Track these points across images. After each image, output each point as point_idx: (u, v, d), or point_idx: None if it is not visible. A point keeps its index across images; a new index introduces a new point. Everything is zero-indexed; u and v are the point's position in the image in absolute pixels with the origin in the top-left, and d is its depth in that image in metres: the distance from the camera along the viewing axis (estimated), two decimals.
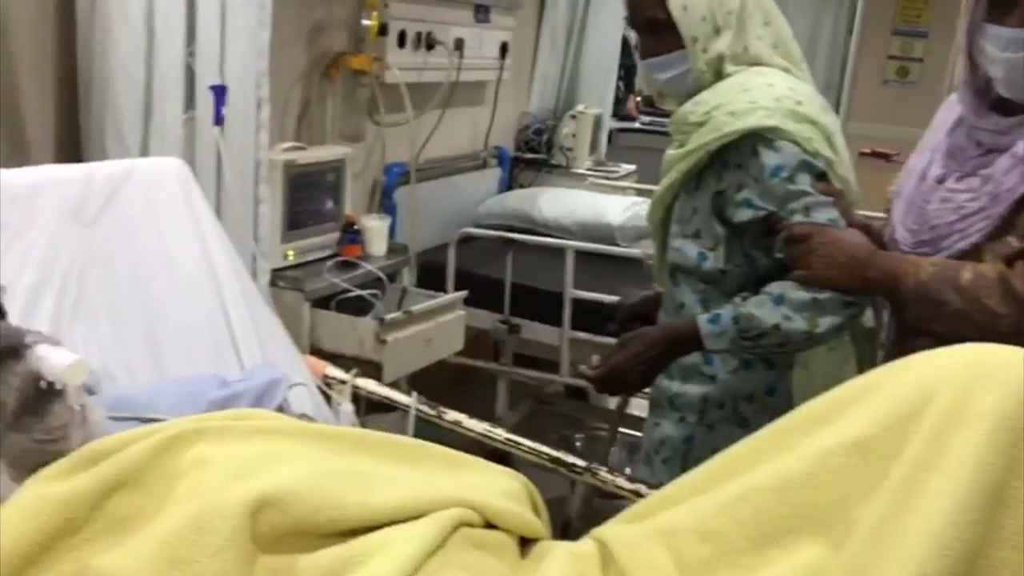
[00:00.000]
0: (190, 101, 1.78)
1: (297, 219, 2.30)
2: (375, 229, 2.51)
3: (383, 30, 2.63)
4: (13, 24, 1.76)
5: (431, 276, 2.80)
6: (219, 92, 1.76)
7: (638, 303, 1.62)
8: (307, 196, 2.34)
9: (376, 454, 0.97)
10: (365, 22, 2.60)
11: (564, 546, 0.95)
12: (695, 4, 1.39)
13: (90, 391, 1.17)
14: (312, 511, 0.86)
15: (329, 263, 2.34)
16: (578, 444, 3.07)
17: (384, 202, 2.90)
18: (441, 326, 2.36)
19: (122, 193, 1.37)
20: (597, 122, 3.76)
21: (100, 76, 1.74)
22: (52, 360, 0.87)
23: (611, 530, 0.93)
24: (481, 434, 1.38)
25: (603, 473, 1.30)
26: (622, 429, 2.29)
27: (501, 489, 1.00)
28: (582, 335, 2.61)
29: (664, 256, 1.50)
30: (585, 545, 0.92)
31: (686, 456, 1.43)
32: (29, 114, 1.83)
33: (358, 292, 2.26)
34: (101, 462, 0.85)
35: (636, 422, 2.06)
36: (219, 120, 1.78)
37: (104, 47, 1.72)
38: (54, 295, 1.23)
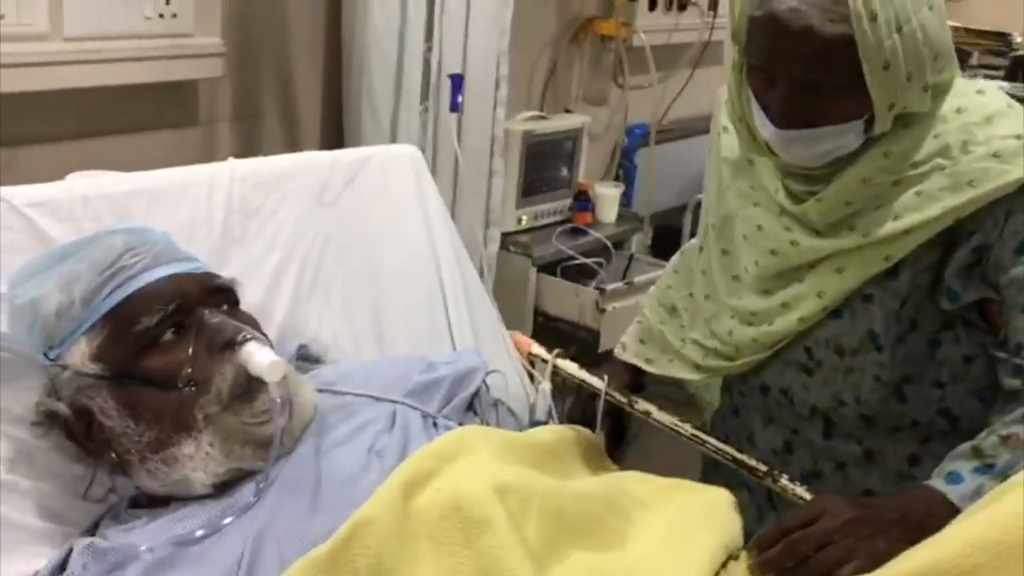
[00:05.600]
0: (426, 92, 1.92)
1: (532, 186, 2.41)
2: (607, 196, 2.57)
3: None
4: (290, 13, 1.97)
5: (665, 240, 2.82)
6: (457, 81, 1.89)
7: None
8: (543, 164, 2.44)
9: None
10: None
11: None
12: (898, 59, 1.07)
13: (319, 360, 1.35)
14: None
15: (559, 229, 2.44)
16: None
17: (624, 163, 2.95)
18: None
19: (360, 178, 1.52)
20: None
21: (361, 59, 1.92)
22: (256, 358, 1.03)
23: None
24: (668, 427, 1.42)
25: (784, 481, 1.31)
26: None
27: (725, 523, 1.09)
28: None
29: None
30: None
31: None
32: (301, 99, 2.06)
33: (583, 260, 2.34)
34: None
35: None
36: (455, 107, 1.91)
37: (364, 25, 1.89)
38: (296, 272, 1.41)
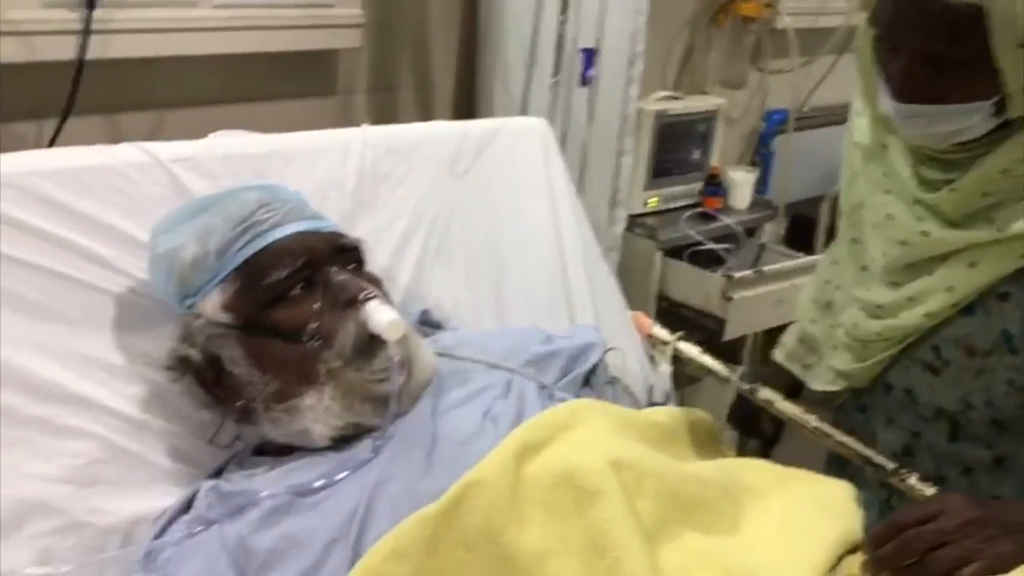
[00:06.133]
0: (558, 65, 1.91)
1: (663, 168, 2.37)
2: (740, 182, 2.51)
3: None
4: None
5: (799, 230, 2.74)
6: (588, 55, 1.87)
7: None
8: (675, 146, 2.39)
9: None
10: None
11: None
12: None
13: (440, 326, 1.37)
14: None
15: (688, 213, 2.39)
16: None
17: (760, 149, 2.87)
18: (797, 288, 2.27)
19: (489, 149, 1.52)
20: None
21: (496, 31, 1.93)
22: (377, 316, 1.04)
23: None
24: (792, 417, 1.37)
25: (912, 480, 1.24)
26: None
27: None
28: None
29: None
30: None
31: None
32: (435, 70, 2.08)
33: (711, 246, 2.29)
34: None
35: None
36: (585, 81, 1.90)
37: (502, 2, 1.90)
38: (422, 238, 1.42)
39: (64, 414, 1.06)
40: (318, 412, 1.05)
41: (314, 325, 1.05)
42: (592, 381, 1.26)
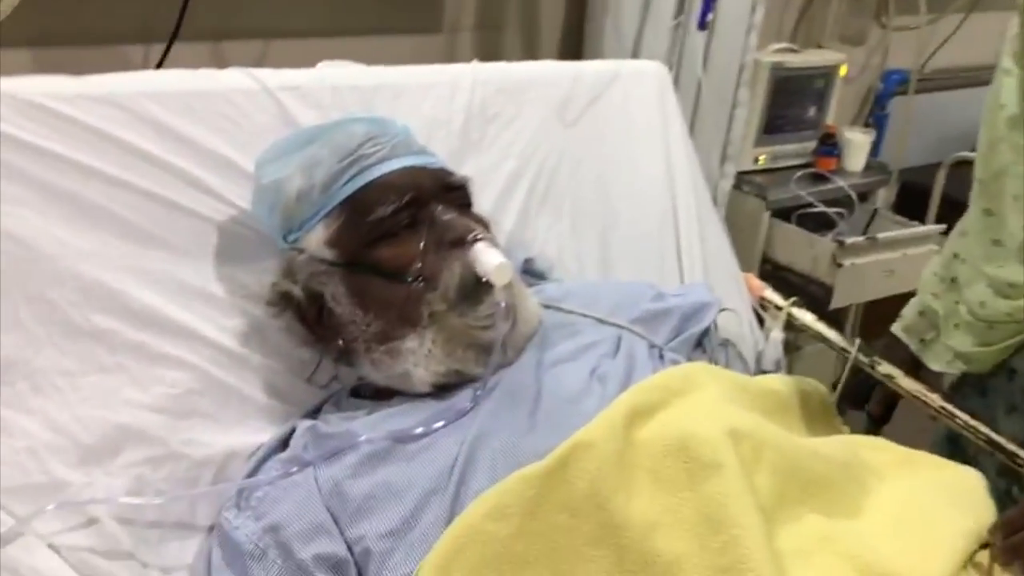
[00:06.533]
0: (680, 6, 1.81)
1: (775, 124, 2.25)
2: (856, 143, 2.37)
3: None
4: None
5: (911, 199, 2.60)
6: None
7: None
8: (789, 101, 2.27)
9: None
10: None
11: None
12: None
13: (544, 276, 1.31)
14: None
15: (798, 173, 2.27)
16: None
17: (875, 111, 2.72)
18: (909, 258, 2.19)
19: (605, 95, 1.44)
20: None
21: None
22: (484, 258, 0.98)
23: None
24: (914, 395, 1.29)
25: None
26: None
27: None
28: None
29: None
30: None
31: None
32: (543, 9, 2.00)
33: (822, 208, 2.18)
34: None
35: None
36: (703, 25, 1.79)
37: None
38: (528, 184, 1.36)
39: (162, 342, 1.04)
40: (419, 356, 1.00)
41: (418, 265, 1.00)
42: (704, 343, 1.19)
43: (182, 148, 1.10)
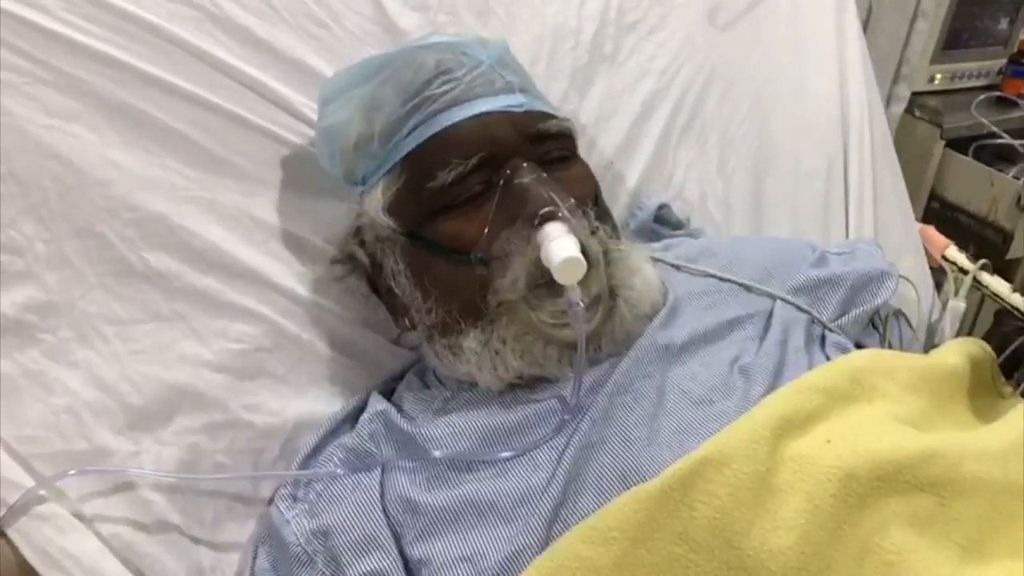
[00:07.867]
0: None
1: (957, 36, 1.92)
2: None
3: None
4: None
5: None
6: None
7: None
8: (976, 11, 1.93)
9: None
10: None
11: None
12: None
13: (680, 225, 1.10)
14: None
15: (981, 96, 1.94)
16: None
17: None
18: None
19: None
20: None
21: None
22: (551, 246, 0.75)
23: None
24: None
25: None
26: None
27: None
28: None
29: None
30: None
31: None
32: None
33: (1008, 140, 1.86)
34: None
35: None
36: None
37: None
38: (670, 108, 1.14)
39: (228, 289, 0.88)
40: (484, 358, 0.80)
41: (483, 243, 0.79)
42: (875, 321, 0.97)
43: (259, 56, 0.93)
